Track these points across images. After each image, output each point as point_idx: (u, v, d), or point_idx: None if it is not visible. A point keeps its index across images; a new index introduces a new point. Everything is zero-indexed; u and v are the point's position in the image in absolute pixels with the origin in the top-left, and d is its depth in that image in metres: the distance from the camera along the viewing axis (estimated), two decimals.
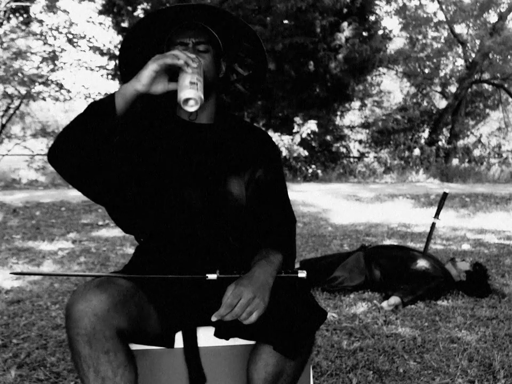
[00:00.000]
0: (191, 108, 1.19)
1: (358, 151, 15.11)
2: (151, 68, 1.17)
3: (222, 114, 1.44)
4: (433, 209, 6.33)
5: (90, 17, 18.90)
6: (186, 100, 1.18)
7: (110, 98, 1.19)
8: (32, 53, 11.16)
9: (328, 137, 13.05)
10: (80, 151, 1.18)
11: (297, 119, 11.73)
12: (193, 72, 1.19)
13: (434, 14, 16.16)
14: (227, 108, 1.52)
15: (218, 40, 1.37)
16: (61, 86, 11.84)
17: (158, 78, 1.20)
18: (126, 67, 1.41)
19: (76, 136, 1.19)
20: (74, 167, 1.21)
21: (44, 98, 11.78)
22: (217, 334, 1.32)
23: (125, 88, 1.19)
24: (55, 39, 11.65)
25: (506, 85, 15.71)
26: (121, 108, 1.19)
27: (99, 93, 12.62)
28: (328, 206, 7.50)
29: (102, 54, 12.16)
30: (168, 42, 1.35)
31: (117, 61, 1.42)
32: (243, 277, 1.22)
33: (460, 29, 16.42)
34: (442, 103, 17.05)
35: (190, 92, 1.17)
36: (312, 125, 11.54)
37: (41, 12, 11.76)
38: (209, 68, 1.33)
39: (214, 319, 1.16)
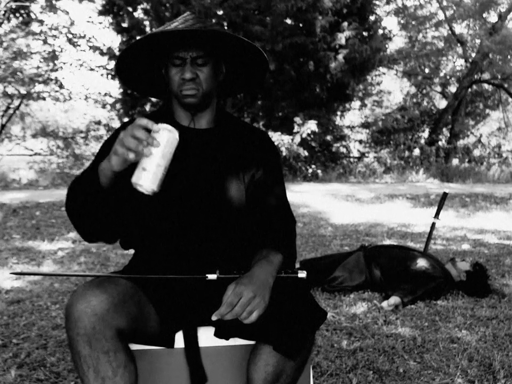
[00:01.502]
0: (140, 189, 1.10)
1: (358, 151, 15.10)
2: (114, 161, 1.11)
3: (221, 118, 1.44)
4: (433, 209, 6.33)
5: (90, 17, 18.91)
6: (134, 184, 1.10)
7: (94, 176, 1.18)
8: (32, 53, 11.17)
9: (328, 137, 13.05)
10: (81, 211, 1.23)
11: (297, 119, 11.73)
12: (152, 157, 1.08)
13: (435, 13, 16.16)
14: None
15: (217, 48, 1.36)
16: (60, 85, 11.85)
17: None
18: (124, 75, 1.41)
19: (75, 200, 1.24)
20: (83, 223, 1.26)
21: (43, 98, 11.78)
22: (217, 334, 1.32)
23: (103, 169, 1.16)
24: (54, 39, 11.66)
25: (506, 85, 15.70)
26: (106, 182, 1.17)
27: (99, 93, 12.63)
28: (328, 206, 7.50)
29: (102, 54, 12.17)
30: (166, 56, 1.34)
31: (115, 66, 1.39)
32: (243, 276, 1.22)
33: (460, 28, 16.45)
34: (442, 103, 17.05)
35: (137, 177, 1.08)
36: (312, 125, 11.54)
37: (41, 12, 11.76)
38: (208, 80, 1.32)
39: (214, 318, 1.16)
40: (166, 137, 1.09)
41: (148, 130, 1.09)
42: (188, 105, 1.34)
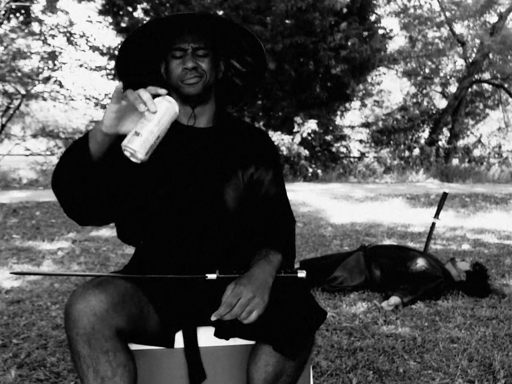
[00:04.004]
0: (127, 154, 1.08)
1: (358, 150, 15.11)
2: (109, 109, 1.08)
3: (221, 117, 1.44)
4: (433, 209, 6.33)
5: (89, 17, 18.90)
6: (124, 147, 1.08)
7: (84, 140, 1.16)
8: (32, 53, 11.16)
9: (328, 137, 13.06)
10: (69, 185, 1.19)
11: (298, 119, 11.73)
12: (147, 123, 1.07)
13: (434, 13, 16.16)
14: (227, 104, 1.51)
15: (217, 41, 1.37)
16: (60, 84, 11.84)
17: (128, 117, 1.11)
18: (124, 70, 1.40)
19: (63, 172, 1.20)
20: (69, 200, 1.22)
21: (44, 98, 11.78)
22: (217, 334, 1.32)
23: (94, 130, 1.13)
24: (53, 38, 11.64)
25: (506, 85, 15.70)
26: (96, 150, 1.14)
27: (99, 94, 12.61)
28: (328, 206, 7.50)
29: (102, 54, 12.16)
30: (167, 48, 1.34)
31: (115, 63, 1.38)
32: (242, 276, 1.22)
33: (460, 28, 16.43)
34: (442, 103, 17.05)
35: (129, 140, 1.06)
36: (312, 125, 11.54)
37: (43, 13, 11.75)
38: (209, 71, 1.33)
39: (213, 318, 1.16)
40: (164, 106, 1.09)
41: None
42: (188, 96, 1.33)
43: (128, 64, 1.38)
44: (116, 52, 11.84)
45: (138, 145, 1.06)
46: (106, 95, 12.69)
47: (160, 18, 1.27)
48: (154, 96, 1.10)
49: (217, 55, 1.38)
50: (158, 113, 1.08)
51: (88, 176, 1.17)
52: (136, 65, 1.40)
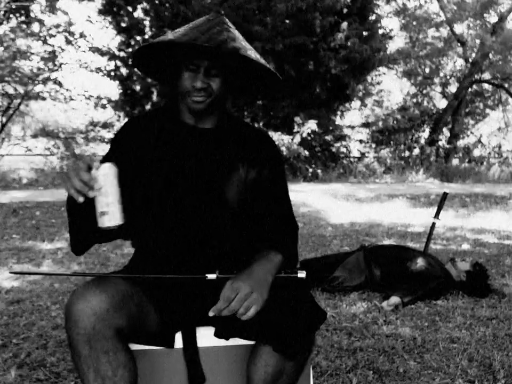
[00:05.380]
0: (109, 228, 1.20)
1: (358, 150, 15.10)
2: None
3: (225, 118, 1.44)
4: (433, 209, 6.32)
5: (89, 17, 18.87)
6: (102, 229, 1.20)
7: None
8: (32, 53, 11.15)
9: (328, 137, 13.05)
10: (77, 232, 1.33)
11: (298, 119, 11.72)
12: (102, 198, 1.17)
13: (435, 13, 16.16)
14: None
15: (230, 59, 1.34)
16: (60, 84, 11.82)
17: None
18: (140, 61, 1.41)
19: (70, 224, 1.33)
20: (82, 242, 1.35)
21: (43, 98, 11.76)
22: (217, 334, 1.32)
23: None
24: (51, 37, 11.63)
25: (506, 85, 15.71)
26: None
27: (99, 96, 12.58)
28: (328, 206, 7.50)
29: (102, 54, 12.15)
30: (181, 63, 1.32)
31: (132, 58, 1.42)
32: (242, 273, 1.22)
33: (460, 28, 16.43)
34: (442, 103, 17.05)
35: (101, 222, 1.18)
36: (312, 125, 11.54)
37: (42, 13, 11.74)
38: (219, 90, 1.32)
39: (211, 314, 1.16)
40: (102, 176, 1.17)
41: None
42: (193, 111, 1.34)
43: (146, 59, 1.40)
44: (116, 51, 11.87)
45: (112, 221, 1.18)
46: (106, 97, 12.65)
47: (177, 42, 1.26)
48: (90, 167, 1.18)
49: (231, 71, 1.36)
50: (102, 187, 1.17)
51: (81, 215, 1.26)
52: (154, 57, 1.40)
